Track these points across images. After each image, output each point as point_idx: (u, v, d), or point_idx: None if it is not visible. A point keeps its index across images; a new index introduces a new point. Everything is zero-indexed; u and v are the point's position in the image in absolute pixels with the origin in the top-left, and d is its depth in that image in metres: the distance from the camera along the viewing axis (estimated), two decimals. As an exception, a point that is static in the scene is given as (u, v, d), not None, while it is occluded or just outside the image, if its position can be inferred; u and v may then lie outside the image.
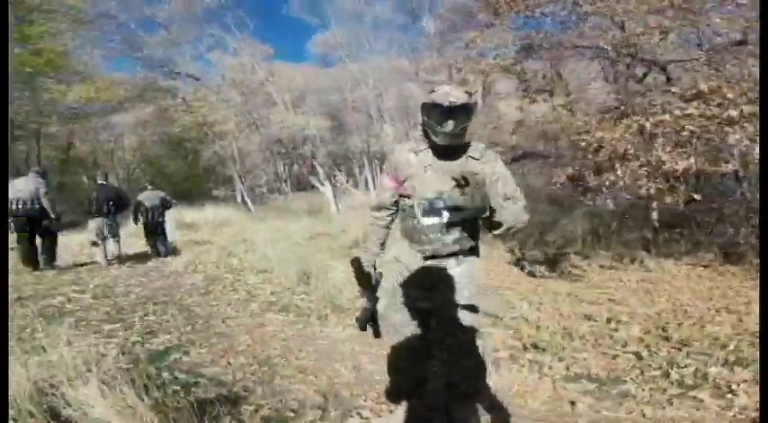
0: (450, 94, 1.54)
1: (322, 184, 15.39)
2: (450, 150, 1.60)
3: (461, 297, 1.72)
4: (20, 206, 5.34)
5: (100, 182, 6.40)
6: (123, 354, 2.32)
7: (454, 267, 1.70)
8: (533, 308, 3.50)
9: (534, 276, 4.91)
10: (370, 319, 1.84)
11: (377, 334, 1.89)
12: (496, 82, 10.19)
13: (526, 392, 2.22)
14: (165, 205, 6.82)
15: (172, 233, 7.66)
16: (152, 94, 18.02)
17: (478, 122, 7.31)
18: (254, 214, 14.51)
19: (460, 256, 1.70)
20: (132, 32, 16.02)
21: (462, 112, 1.53)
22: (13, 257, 5.61)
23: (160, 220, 6.72)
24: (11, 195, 5.32)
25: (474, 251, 1.76)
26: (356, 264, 1.77)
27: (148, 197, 6.70)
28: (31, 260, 5.48)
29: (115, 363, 1.76)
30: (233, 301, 3.96)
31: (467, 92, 1.60)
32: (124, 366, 1.78)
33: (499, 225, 1.51)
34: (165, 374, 2.07)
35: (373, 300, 1.79)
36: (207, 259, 6.01)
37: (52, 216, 5.56)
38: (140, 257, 6.59)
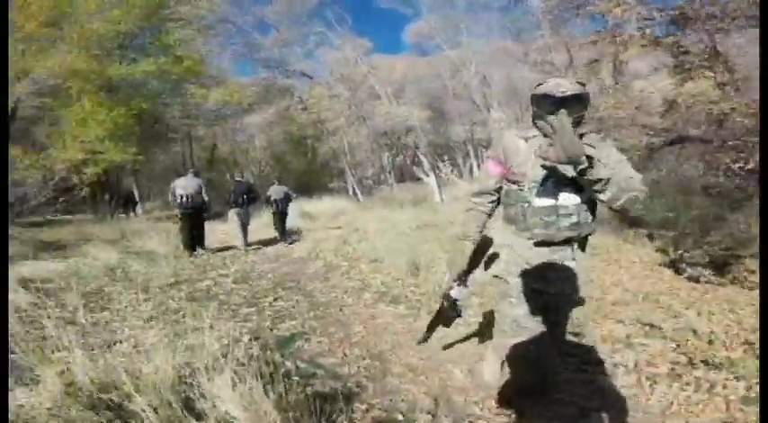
0: (562, 85, 1.52)
1: (426, 175, 15.31)
2: None
3: (577, 291, 1.67)
4: (188, 200, 6.38)
5: (237, 178, 7.78)
6: (256, 339, 2.54)
7: (569, 259, 1.63)
8: (703, 318, 2.86)
9: (697, 282, 4.03)
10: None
11: (426, 338, 1.91)
12: (630, 60, 8.76)
13: (690, 412, 1.87)
14: (288, 198, 7.85)
15: (294, 220, 8.79)
16: (273, 95, 19.95)
17: (613, 103, 6.29)
18: (362, 205, 15.22)
19: (575, 246, 1.63)
20: (249, 35, 17.85)
21: (576, 102, 1.51)
22: (171, 244, 6.77)
23: (285, 210, 7.77)
24: (178, 191, 6.38)
25: (583, 245, 1.67)
26: (487, 242, 1.74)
27: (276, 191, 7.76)
28: (190, 246, 6.51)
29: (247, 349, 1.92)
30: (349, 289, 4.12)
31: (579, 82, 1.57)
32: (255, 353, 1.92)
33: (606, 185, 1.36)
34: (289, 363, 2.19)
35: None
36: (326, 247, 6.44)
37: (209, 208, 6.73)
38: (270, 244, 7.54)
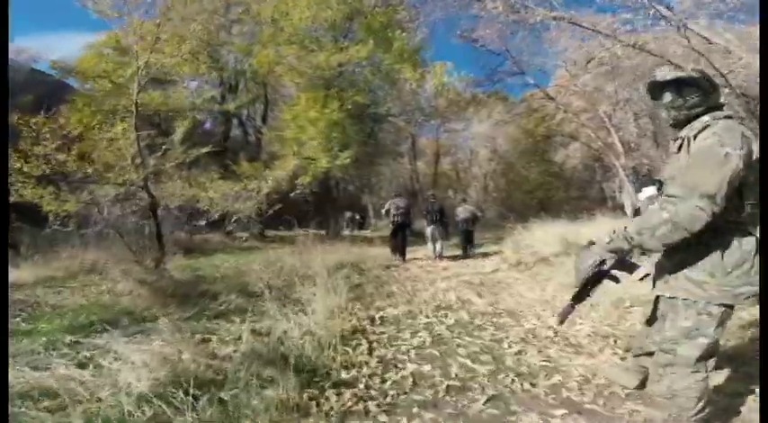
0: (663, 70, 1.58)
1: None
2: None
3: None
4: (398, 217, 7.60)
5: (431, 200, 8.40)
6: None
7: None
8: None
9: None
10: None
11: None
12: None
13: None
14: (474, 218, 8.62)
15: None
16: (495, 88, 15.51)
17: None
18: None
19: None
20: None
21: (679, 85, 1.53)
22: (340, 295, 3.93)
23: (470, 229, 8.44)
24: (392, 210, 7.63)
25: None
26: None
27: (462, 211, 8.58)
28: (399, 251, 7.63)
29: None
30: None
31: (695, 70, 1.55)
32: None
33: None
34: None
35: None
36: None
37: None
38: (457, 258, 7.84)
